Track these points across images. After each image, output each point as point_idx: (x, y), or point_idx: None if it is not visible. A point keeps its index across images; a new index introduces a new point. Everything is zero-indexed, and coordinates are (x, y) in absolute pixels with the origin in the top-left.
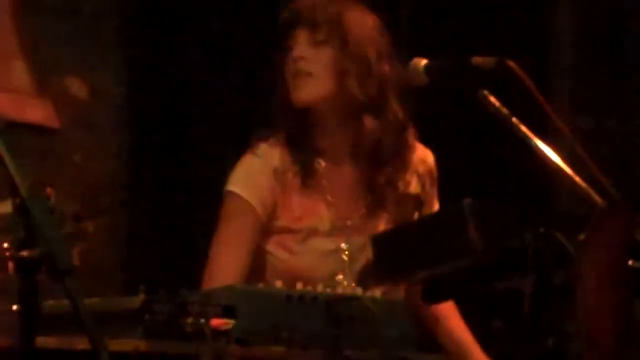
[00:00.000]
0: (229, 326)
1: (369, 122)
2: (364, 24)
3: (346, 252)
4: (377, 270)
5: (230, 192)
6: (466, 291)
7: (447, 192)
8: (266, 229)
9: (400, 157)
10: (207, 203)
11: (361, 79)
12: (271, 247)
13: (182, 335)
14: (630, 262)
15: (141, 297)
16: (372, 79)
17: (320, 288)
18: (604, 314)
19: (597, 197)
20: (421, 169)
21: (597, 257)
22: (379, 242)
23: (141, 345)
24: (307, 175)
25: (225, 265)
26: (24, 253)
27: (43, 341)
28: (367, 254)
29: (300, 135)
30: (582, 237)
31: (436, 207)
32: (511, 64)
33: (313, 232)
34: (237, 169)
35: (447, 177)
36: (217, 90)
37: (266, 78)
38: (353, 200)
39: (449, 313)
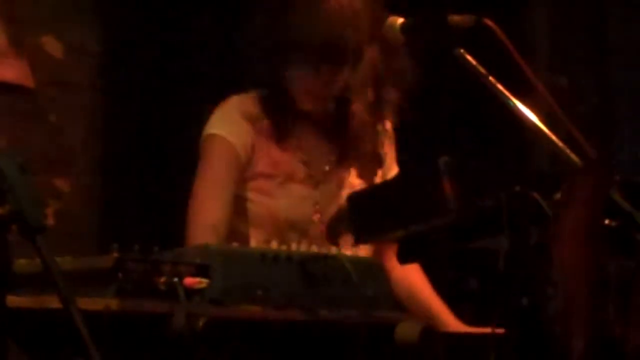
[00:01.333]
0: (203, 285)
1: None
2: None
3: (319, 199)
4: (353, 228)
5: (213, 135)
6: (441, 250)
7: (423, 150)
8: (245, 175)
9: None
10: (183, 163)
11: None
12: (250, 193)
13: (155, 294)
14: (605, 221)
15: (114, 255)
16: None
17: (294, 246)
18: (580, 272)
19: (573, 156)
20: (380, 128)
21: (573, 216)
22: (355, 201)
23: (113, 304)
24: (280, 135)
25: (213, 206)
26: None
27: (14, 300)
28: (337, 202)
29: (280, 104)
30: (558, 196)
31: (395, 167)
32: (488, 22)
33: (289, 178)
34: (216, 114)
35: (423, 135)
36: (195, 48)
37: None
38: (323, 154)
39: (414, 274)
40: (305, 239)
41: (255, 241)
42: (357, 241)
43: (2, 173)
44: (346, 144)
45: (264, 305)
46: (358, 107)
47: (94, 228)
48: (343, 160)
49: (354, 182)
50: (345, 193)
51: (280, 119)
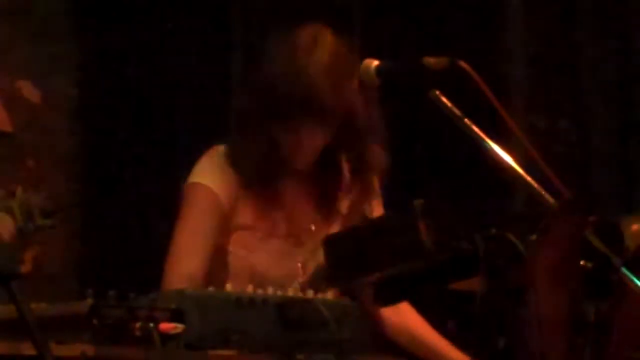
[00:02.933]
0: (178, 330)
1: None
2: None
3: (299, 257)
4: (329, 272)
5: (197, 184)
6: (419, 292)
7: (399, 193)
8: (227, 226)
9: (361, 171)
10: (161, 209)
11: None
12: (231, 246)
13: (131, 340)
14: (581, 262)
15: (89, 301)
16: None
17: (270, 291)
18: (556, 313)
19: (549, 198)
20: (378, 169)
21: (549, 257)
22: (331, 244)
23: (88, 350)
24: (264, 192)
25: (191, 257)
26: None
27: None
28: (320, 259)
29: (268, 159)
30: (533, 237)
31: (379, 210)
32: (463, 64)
33: (270, 233)
34: (201, 163)
35: (400, 178)
36: (170, 92)
37: (217, 80)
38: (308, 210)
39: (401, 309)
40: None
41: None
42: (331, 284)
43: None
44: (332, 199)
45: (240, 349)
46: (344, 160)
47: (70, 273)
48: (329, 217)
49: None
50: None
51: (265, 174)
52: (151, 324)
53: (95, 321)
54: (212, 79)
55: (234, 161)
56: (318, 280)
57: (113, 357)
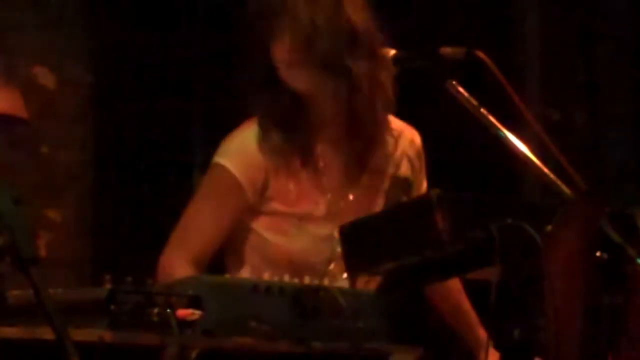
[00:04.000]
0: (195, 317)
1: (361, 99)
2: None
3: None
4: (345, 260)
5: (220, 166)
6: (434, 281)
7: None
8: (255, 209)
9: (392, 137)
10: (173, 193)
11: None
12: (262, 228)
13: (148, 326)
14: (597, 253)
15: (107, 287)
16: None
17: (287, 278)
18: (571, 304)
19: (564, 189)
20: (410, 150)
21: (565, 248)
22: (347, 233)
23: (106, 335)
24: (305, 157)
25: (198, 238)
26: None
27: (7, 331)
28: None
29: (296, 116)
30: (549, 228)
31: (424, 188)
32: (480, 54)
33: (308, 217)
34: (231, 142)
35: None
36: (186, 79)
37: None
38: (348, 182)
39: (452, 284)
40: (325, 277)
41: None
42: (349, 273)
43: None
44: (365, 164)
45: (256, 336)
46: (368, 100)
47: (85, 259)
48: (370, 189)
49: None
50: None
51: (303, 139)
52: (168, 310)
53: (112, 307)
54: (228, 64)
55: (267, 140)
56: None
57: (130, 343)
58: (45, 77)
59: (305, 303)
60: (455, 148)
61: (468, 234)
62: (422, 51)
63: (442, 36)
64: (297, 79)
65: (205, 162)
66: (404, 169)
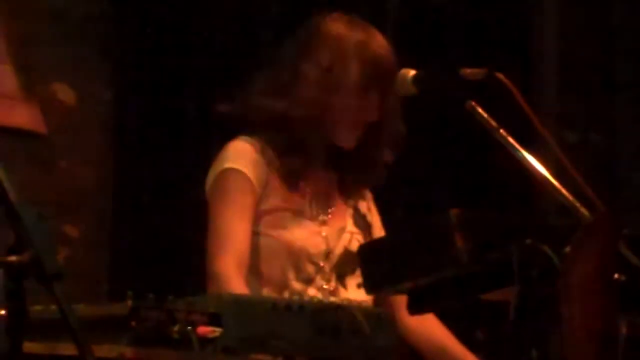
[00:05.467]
0: (216, 334)
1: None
2: None
3: (327, 237)
4: (364, 279)
5: (230, 169)
6: (452, 302)
7: (434, 202)
8: (258, 209)
9: (373, 172)
10: (191, 208)
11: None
12: (263, 227)
13: (169, 343)
14: (615, 275)
15: (128, 303)
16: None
17: (291, 274)
18: (589, 327)
19: (583, 210)
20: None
21: (583, 270)
22: (366, 252)
23: (127, 352)
24: (290, 179)
25: (239, 240)
26: (12, 258)
27: (30, 346)
28: (342, 244)
29: (293, 149)
30: (567, 249)
31: (383, 232)
32: (500, 75)
33: (301, 213)
34: (228, 151)
35: (435, 188)
36: (204, 95)
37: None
38: (324, 201)
39: (426, 319)
40: (319, 273)
41: (272, 277)
42: (368, 292)
43: (21, 221)
44: (347, 187)
45: (276, 354)
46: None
47: (102, 274)
48: (341, 204)
49: (353, 230)
50: (347, 236)
51: (293, 164)
52: (189, 327)
53: (134, 323)
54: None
55: (261, 148)
56: (343, 265)
57: (151, 359)
58: (64, 92)
59: (325, 321)
60: (475, 168)
61: (487, 254)
62: (442, 72)
63: (462, 57)
64: (353, 140)
65: None
66: (364, 209)
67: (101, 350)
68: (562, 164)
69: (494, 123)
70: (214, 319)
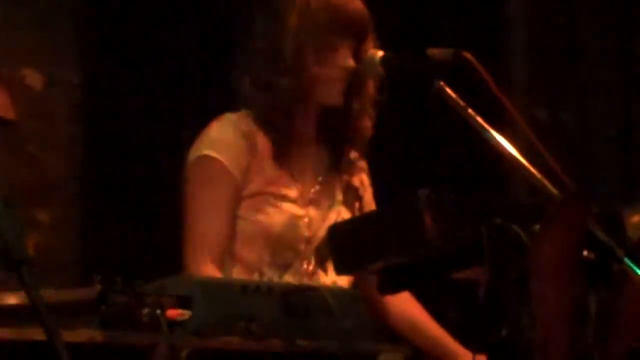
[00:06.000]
0: (185, 317)
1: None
2: None
3: (310, 218)
4: (334, 260)
5: (207, 157)
6: (422, 281)
7: (403, 182)
8: (239, 197)
9: (360, 145)
10: (161, 194)
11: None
12: (243, 211)
13: (138, 326)
14: (584, 253)
15: (97, 287)
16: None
17: (275, 278)
18: (559, 305)
19: (552, 189)
20: (363, 170)
21: (552, 248)
22: (336, 232)
23: (97, 335)
24: (279, 155)
25: (214, 235)
26: None
27: None
28: (327, 224)
29: (282, 120)
30: (537, 227)
31: (373, 205)
32: (468, 55)
33: (283, 197)
34: (208, 133)
35: (403, 167)
36: (173, 80)
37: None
38: (314, 173)
39: (402, 299)
40: (298, 258)
41: (247, 260)
42: (338, 272)
43: None
44: (334, 166)
45: (246, 336)
46: (361, 104)
47: (72, 260)
48: (331, 178)
49: (340, 208)
50: (333, 215)
51: (280, 136)
52: (158, 310)
53: (103, 307)
54: (216, 60)
55: (242, 127)
56: (324, 248)
57: (121, 343)
58: (33, 77)
59: (294, 302)
60: (443, 148)
61: (456, 234)
62: (410, 52)
63: (430, 37)
64: (338, 95)
65: None
66: (356, 182)
67: (71, 335)
68: (532, 143)
69: (462, 103)
70: (183, 302)
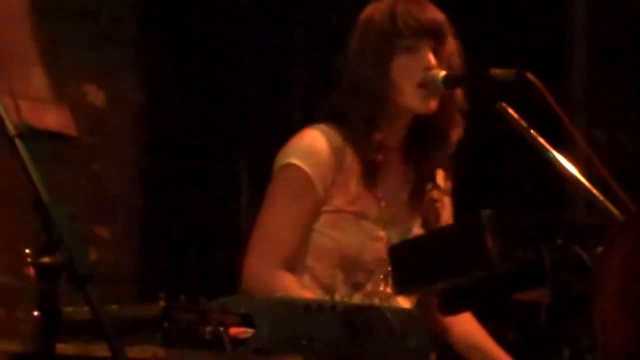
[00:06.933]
0: (248, 335)
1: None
2: None
3: (386, 242)
4: (394, 280)
5: (295, 166)
6: (483, 302)
7: (464, 203)
8: (318, 211)
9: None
10: (221, 212)
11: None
12: (321, 225)
13: (201, 344)
14: None
15: (161, 304)
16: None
17: (339, 276)
18: (620, 328)
19: (613, 210)
20: (443, 183)
21: (614, 270)
22: (397, 253)
23: (160, 352)
24: (368, 170)
25: (282, 243)
26: (45, 259)
27: (63, 348)
28: None
29: (371, 131)
30: (599, 249)
31: (450, 221)
32: (529, 75)
33: (363, 216)
34: (299, 142)
35: (464, 188)
36: (234, 95)
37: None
38: (398, 193)
39: (464, 318)
40: (371, 279)
41: (318, 274)
42: (398, 293)
43: (53, 222)
44: (422, 189)
45: (307, 355)
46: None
47: (133, 276)
48: (414, 204)
49: (417, 231)
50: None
51: (369, 150)
52: (221, 328)
53: (166, 324)
54: (278, 79)
55: (331, 140)
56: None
57: None
58: (94, 94)
59: (356, 322)
60: (506, 168)
61: (518, 255)
62: (473, 72)
63: (492, 58)
64: (423, 100)
65: (253, 178)
66: (439, 202)
67: (134, 351)
68: (593, 163)
69: (524, 123)
70: (246, 320)
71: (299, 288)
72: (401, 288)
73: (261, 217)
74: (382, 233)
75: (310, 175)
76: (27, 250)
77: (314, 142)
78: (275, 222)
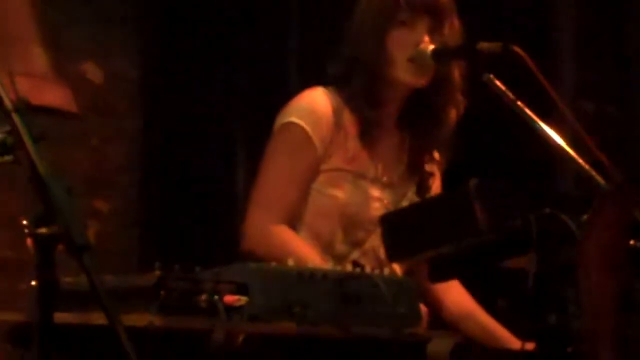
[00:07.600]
0: (242, 303)
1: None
2: None
3: (386, 201)
4: (386, 248)
5: (293, 124)
6: (471, 270)
7: (452, 173)
8: (317, 169)
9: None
10: (218, 184)
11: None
12: (320, 184)
13: (196, 311)
14: (631, 242)
15: (156, 274)
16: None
17: (339, 234)
18: (605, 293)
19: (599, 179)
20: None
21: (600, 238)
22: (388, 222)
23: (156, 320)
24: (363, 134)
25: (281, 198)
26: (42, 230)
27: (61, 317)
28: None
29: (369, 100)
30: (585, 217)
31: (440, 190)
32: (516, 48)
33: (362, 176)
34: (299, 101)
35: (452, 158)
36: (232, 75)
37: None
38: (395, 162)
39: (453, 288)
40: (370, 237)
41: (317, 232)
42: (390, 261)
43: (52, 194)
44: (419, 156)
45: (301, 322)
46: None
47: (132, 249)
48: (410, 171)
49: (412, 197)
50: (405, 203)
51: (367, 115)
52: (216, 296)
53: (162, 292)
54: (275, 58)
55: (330, 102)
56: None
57: (179, 327)
58: (93, 71)
59: (348, 289)
60: (492, 139)
61: (505, 223)
62: (459, 46)
63: (476, 29)
64: (413, 74)
65: (251, 148)
66: (430, 174)
67: (131, 319)
68: (579, 135)
69: (511, 95)
70: (240, 288)
71: (300, 243)
72: (393, 256)
73: (261, 174)
74: (379, 193)
75: (309, 133)
76: (24, 222)
77: (313, 102)
78: (275, 178)
